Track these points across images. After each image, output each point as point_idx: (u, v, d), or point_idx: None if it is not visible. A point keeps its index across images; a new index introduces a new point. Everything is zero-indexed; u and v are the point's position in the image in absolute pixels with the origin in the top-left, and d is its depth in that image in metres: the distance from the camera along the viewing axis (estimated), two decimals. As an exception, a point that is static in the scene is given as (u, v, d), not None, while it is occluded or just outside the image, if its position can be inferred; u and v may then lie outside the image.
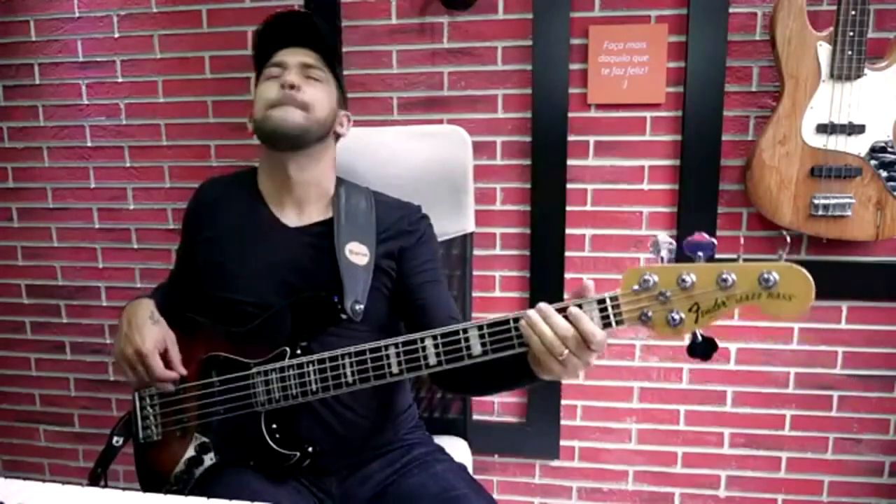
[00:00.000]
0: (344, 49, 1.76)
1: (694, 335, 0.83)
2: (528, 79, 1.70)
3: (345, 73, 1.70)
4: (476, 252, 1.57)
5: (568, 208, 1.74)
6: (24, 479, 0.85)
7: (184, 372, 1.08)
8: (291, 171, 1.13)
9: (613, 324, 0.84)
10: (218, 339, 1.10)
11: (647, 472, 1.85)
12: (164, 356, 1.08)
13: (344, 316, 1.03)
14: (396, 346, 0.95)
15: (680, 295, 0.81)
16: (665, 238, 0.82)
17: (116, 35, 1.87)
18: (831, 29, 1.46)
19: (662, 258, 0.82)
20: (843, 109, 1.48)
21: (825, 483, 1.78)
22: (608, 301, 0.84)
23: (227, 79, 1.84)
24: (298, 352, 1.03)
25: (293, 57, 1.13)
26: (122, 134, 1.92)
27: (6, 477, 0.85)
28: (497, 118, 1.75)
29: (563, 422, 1.84)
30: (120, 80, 1.89)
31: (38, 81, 1.94)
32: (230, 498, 0.81)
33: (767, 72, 1.62)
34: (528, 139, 1.73)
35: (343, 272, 1.06)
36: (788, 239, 0.79)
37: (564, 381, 1.83)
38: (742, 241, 0.84)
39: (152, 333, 1.07)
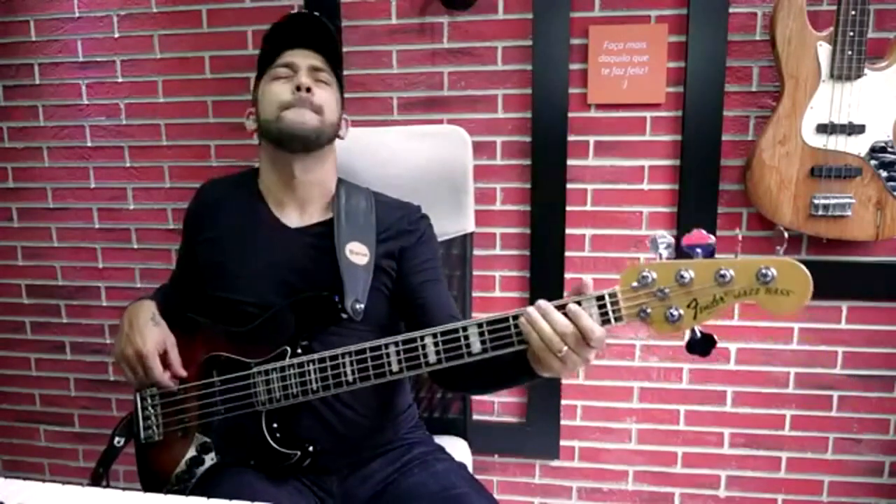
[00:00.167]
0: (344, 49, 1.76)
1: (693, 332, 0.83)
2: (528, 79, 1.70)
3: (345, 73, 1.70)
4: (476, 252, 1.57)
5: (568, 208, 1.74)
6: (24, 479, 0.85)
7: (183, 374, 1.09)
8: (297, 171, 1.13)
9: (612, 320, 0.85)
10: (219, 339, 1.10)
11: (647, 472, 1.85)
12: (165, 358, 1.08)
13: (344, 315, 1.04)
14: (396, 344, 0.95)
15: (678, 291, 0.81)
16: (664, 235, 0.82)
17: (116, 35, 1.87)
18: (831, 29, 1.46)
19: (661, 255, 0.82)
20: (843, 109, 1.48)
21: (825, 483, 1.78)
22: (607, 298, 0.85)
23: (227, 79, 1.84)
24: (299, 351, 1.03)
25: (303, 59, 1.14)
26: (122, 134, 1.92)
27: (6, 477, 0.85)
28: (497, 118, 1.75)
29: (563, 422, 1.85)
30: (120, 80, 1.89)
31: (38, 81, 1.94)
32: (231, 497, 0.81)
33: (767, 72, 1.63)
34: (528, 139, 1.73)
35: (343, 272, 1.06)
36: (786, 235, 0.79)
37: (564, 381, 1.83)
38: (740, 239, 0.84)
39: (153, 335, 1.08)
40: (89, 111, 1.93)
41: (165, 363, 1.08)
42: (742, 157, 1.65)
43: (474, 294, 1.54)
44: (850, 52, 1.44)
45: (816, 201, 1.51)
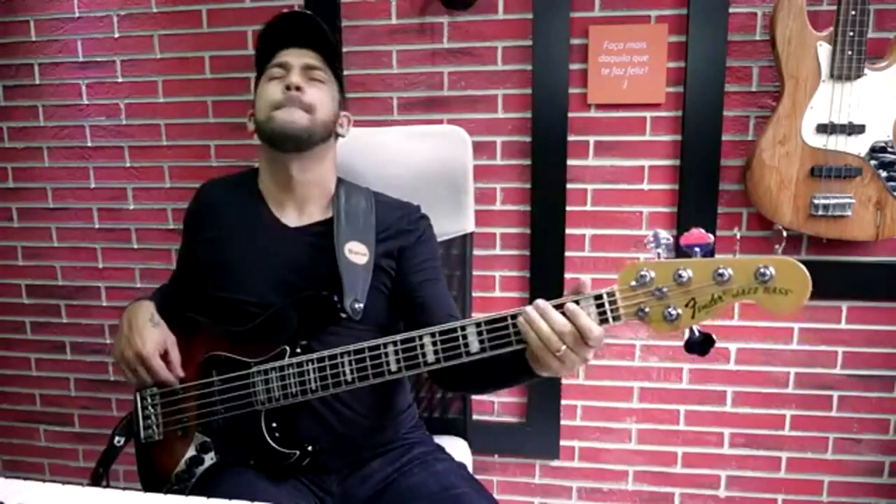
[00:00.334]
0: (344, 49, 1.76)
1: (691, 331, 0.83)
2: (528, 79, 1.70)
3: (345, 73, 1.70)
4: (476, 252, 1.57)
5: (568, 208, 1.74)
6: (24, 479, 0.85)
7: (182, 374, 1.09)
8: (294, 171, 1.13)
9: (610, 319, 0.85)
10: (218, 338, 1.10)
11: (647, 472, 1.85)
12: (165, 358, 1.08)
13: (343, 315, 1.04)
14: (395, 343, 0.95)
15: (676, 290, 0.81)
16: (662, 234, 0.82)
17: (116, 35, 1.87)
18: (831, 29, 1.46)
19: (659, 254, 0.82)
20: (843, 109, 1.48)
21: (825, 483, 1.78)
22: (605, 297, 0.85)
23: (227, 79, 1.84)
24: (298, 351, 1.03)
25: (296, 58, 1.14)
26: (122, 134, 1.92)
27: (6, 477, 0.85)
28: (497, 118, 1.75)
29: (563, 422, 1.85)
30: (120, 80, 1.89)
31: (38, 81, 1.94)
32: (231, 497, 0.81)
33: (767, 72, 1.63)
34: (528, 139, 1.73)
35: (342, 271, 1.06)
36: (785, 234, 0.79)
37: (564, 381, 1.83)
38: (738, 239, 0.84)
39: (153, 336, 1.08)
40: (89, 111, 1.93)
41: (166, 363, 1.08)
42: (742, 157, 1.65)
43: (474, 294, 1.54)
44: (850, 52, 1.44)
45: (816, 201, 1.51)
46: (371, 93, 1.78)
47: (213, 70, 1.84)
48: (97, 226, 1.99)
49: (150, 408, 1.12)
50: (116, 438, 1.13)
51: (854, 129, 1.48)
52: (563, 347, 0.84)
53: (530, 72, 1.70)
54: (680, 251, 0.81)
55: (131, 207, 1.96)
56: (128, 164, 1.93)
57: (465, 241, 1.43)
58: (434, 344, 0.93)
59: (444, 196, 1.39)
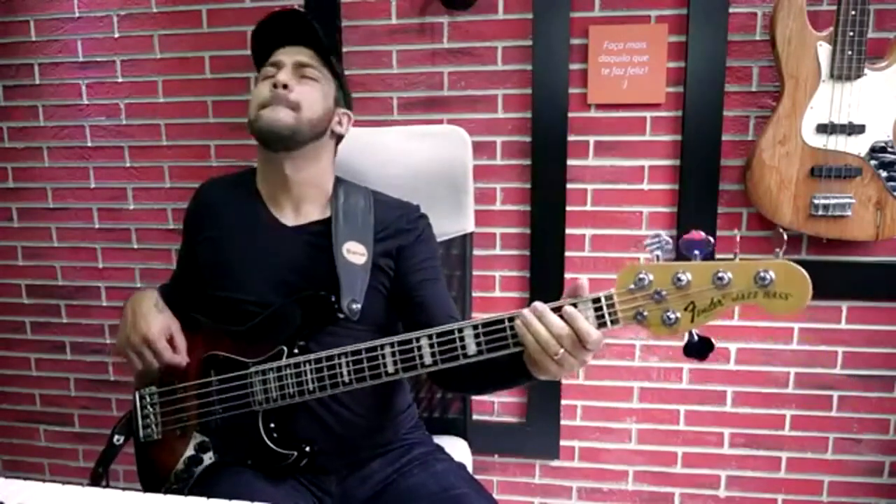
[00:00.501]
0: (344, 49, 1.76)
1: (690, 335, 0.82)
2: (528, 79, 1.70)
3: (345, 73, 1.70)
4: (476, 252, 1.57)
5: (568, 208, 1.74)
6: (24, 479, 0.85)
7: (188, 360, 1.09)
8: (288, 171, 1.13)
9: (608, 323, 0.84)
10: (217, 338, 1.10)
11: (647, 472, 1.84)
12: (171, 343, 1.08)
13: (341, 315, 1.04)
14: (392, 345, 0.95)
15: (675, 294, 0.80)
16: (661, 236, 0.81)
17: (116, 35, 1.87)
18: (831, 29, 1.45)
19: (658, 257, 0.81)
20: (843, 109, 1.48)
21: (825, 483, 1.78)
22: (603, 300, 0.84)
23: (227, 79, 1.84)
24: (296, 351, 1.03)
25: (289, 56, 1.14)
26: (122, 134, 1.92)
27: (6, 477, 0.85)
28: (497, 118, 1.75)
29: (563, 422, 1.84)
30: (120, 80, 1.89)
31: (38, 81, 1.94)
32: (229, 497, 0.81)
33: (767, 72, 1.62)
34: (528, 139, 1.73)
35: (340, 271, 1.06)
36: (785, 236, 0.78)
37: (564, 381, 1.83)
38: (738, 240, 0.83)
39: (158, 321, 1.08)
40: (89, 111, 1.93)
41: (172, 347, 1.08)
42: (742, 157, 1.65)
43: (474, 294, 1.54)
44: (850, 52, 1.44)
45: (816, 201, 1.51)
46: (371, 93, 1.78)
47: (213, 70, 1.84)
48: (97, 226, 1.99)
49: (148, 407, 1.12)
50: (116, 437, 1.13)
51: (854, 129, 1.48)
52: (561, 351, 0.83)
53: (530, 72, 1.69)
54: (679, 253, 0.80)
55: (131, 207, 1.96)
56: (128, 164, 1.93)
57: (465, 241, 1.43)
58: (431, 346, 0.93)
59: (444, 196, 1.39)
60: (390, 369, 0.95)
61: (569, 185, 1.73)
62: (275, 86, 1.09)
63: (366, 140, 1.43)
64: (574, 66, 1.68)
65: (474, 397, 1.65)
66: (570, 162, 1.72)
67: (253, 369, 1.04)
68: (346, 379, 0.97)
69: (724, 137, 1.65)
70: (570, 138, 1.71)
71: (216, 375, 1.07)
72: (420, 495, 1.06)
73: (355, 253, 1.09)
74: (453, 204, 1.40)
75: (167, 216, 1.94)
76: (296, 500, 1.07)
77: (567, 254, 1.76)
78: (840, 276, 1.66)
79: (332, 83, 1.17)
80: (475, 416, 1.79)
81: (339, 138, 1.22)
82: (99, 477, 1.11)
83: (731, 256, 0.79)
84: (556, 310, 0.85)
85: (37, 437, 2.15)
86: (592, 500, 1.88)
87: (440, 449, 1.22)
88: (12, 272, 2.06)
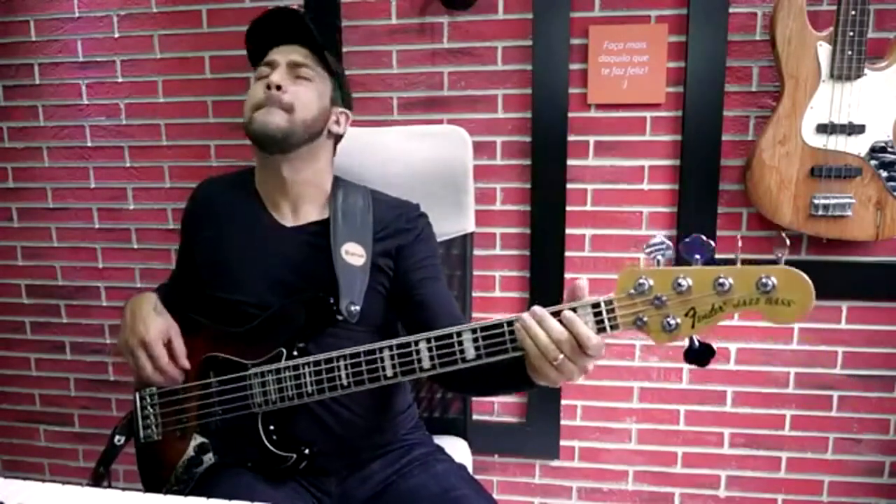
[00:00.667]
0: (344, 49, 1.76)
1: (691, 340, 0.80)
2: (528, 79, 1.70)
3: (345, 73, 1.69)
4: (476, 252, 1.57)
5: (568, 208, 1.74)
6: (24, 479, 0.85)
7: (188, 366, 1.08)
8: (285, 172, 1.12)
9: (608, 328, 0.82)
10: (217, 339, 1.10)
11: (647, 472, 1.85)
12: (169, 347, 1.07)
13: (339, 317, 1.03)
14: (391, 348, 0.94)
15: (676, 299, 0.79)
16: (662, 239, 0.80)
17: (116, 35, 1.87)
18: (831, 29, 1.45)
19: (658, 261, 0.80)
20: (843, 109, 1.48)
21: (825, 483, 1.78)
22: (602, 305, 0.82)
23: (227, 79, 1.84)
24: (295, 353, 1.03)
25: (283, 55, 1.13)
26: (122, 134, 1.92)
27: (6, 477, 0.85)
28: (497, 118, 1.75)
29: (563, 422, 1.85)
30: (120, 80, 1.89)
31: (38, 81, 1.94)
32: (229, 498, 0.81)
33: (767, 72, 1.62)
34: (528, 139, 1.73)
35: (339, 273, 1.05)
36: (788, 241, 0.77)
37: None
38: (740, 241, 0.82)
39: (156, 324, 1.07)
40: (89, 111, 1.93)
41: (170, 352, 1.07)
42: (742, 157, 1.65)
43: (474, 294, 1.53)
44: (850, 52, 1.44)
45: (816, 201, 1.51)
46: (371, 93, 1.78)
47: (213, 70, 1.84)
48: (97, 226, 1.99)
49: (149, 408, 1.12)
50: (117, 437, 1.13)
51: (854, 129, 1.48)
52: (561, 356, 0.82)
53: (530, 72, 1.69)
54: (680, 257, 0.78)
55: (131, 207, 1.96)
56: (128, 164, 1.93)
57: (465, 241, 1.43)
58: (430, 350, 0.92)
59: (444, 196, 1.39)
60: (389, 373, 0.95)
61: (569, 185, 1.73)
62: (268, 87, 1.08)
63: (366, 140, 1.43)
64: (574, 66, 1.68)
65: (474, 398, 1.65)
66: (570, 162, 1.72)
67: (252, 371, 1.03)
68: (345, 382, 0.97)
69: (724, 137, 1.65)
70: (570, 138, 1.71)
71: (216, 377, 1.07)
72: (420, 496, 1.06)
73: (354, 254, 1.08)
74: (453, 204, 1.40)
75: (167, 216, 1.94)
76: (296, 502, 1.07)
77: (567, 254, 1.76)
78: (840, 276, 1.66)
79: (327, 82, 1.16)
80: (475, 417, 1.80)
81: (337, 138, 1.20)
82: (101, 477, 1.11)
83: (732, 257, 0.77)
84: (555, 314, 0.83)
85: (37, 437, 2.16)
86: (592, 500, 1.88)
87: (440, 449, 1.22)
88: (12, 272, 2.06)
